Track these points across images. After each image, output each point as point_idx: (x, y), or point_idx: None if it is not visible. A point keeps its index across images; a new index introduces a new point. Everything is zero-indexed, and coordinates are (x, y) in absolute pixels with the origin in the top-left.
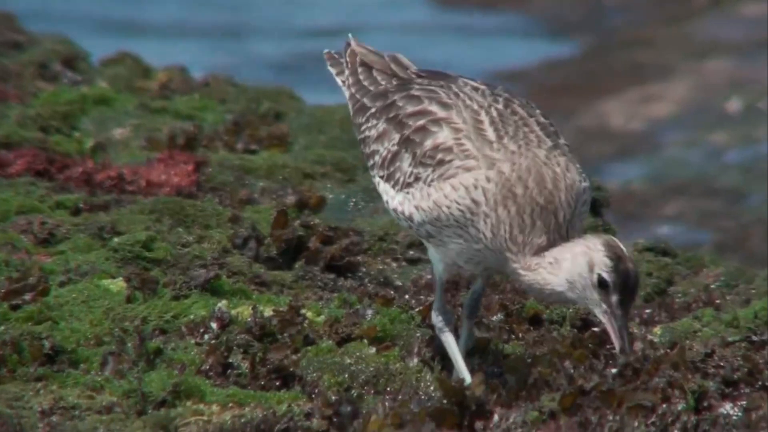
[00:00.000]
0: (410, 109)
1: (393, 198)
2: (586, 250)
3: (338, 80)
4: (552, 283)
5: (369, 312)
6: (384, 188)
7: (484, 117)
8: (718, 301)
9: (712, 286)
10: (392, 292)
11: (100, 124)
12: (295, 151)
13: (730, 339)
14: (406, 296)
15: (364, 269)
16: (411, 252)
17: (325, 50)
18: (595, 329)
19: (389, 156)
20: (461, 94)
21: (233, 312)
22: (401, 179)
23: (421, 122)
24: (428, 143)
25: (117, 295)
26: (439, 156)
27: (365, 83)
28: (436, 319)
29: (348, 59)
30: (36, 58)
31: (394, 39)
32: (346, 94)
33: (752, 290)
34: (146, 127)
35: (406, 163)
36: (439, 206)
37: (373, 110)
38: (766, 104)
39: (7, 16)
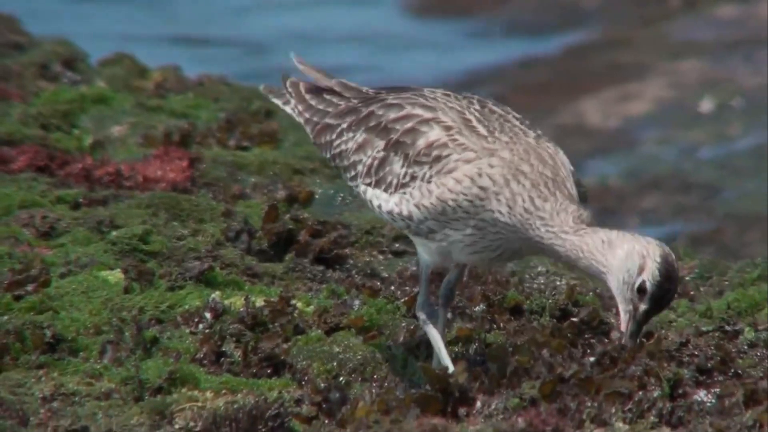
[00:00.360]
0: (393, 115)
1: (387, 201)
2: (644, 252)
3: (287, 109)
4: (596, 259)
5: (356, 302)
6: (373, 194)
7: (469, 115)
8: (692, 293)
9: (687, 278)
10: (378, 284)
11: (99, 122)
12: (285, 147)
13: (703, 329)
14: (392, 287)
15: (351, 261)
16: (396, 245)
17: (262, 86)
18: (574, 319)
19: (376, 162)
20: (439, 99)
21: (226, 302)
22: (394, 181)
23: (409, 125)
24: (421, 142)
25: (115, 286)
26: (435, 152)
27: (320, 107)
28: (420, 313)
29: (290, 90)
30: (37, 59)
31: (371, 45)
32: (300, 120)
33: (725, 282)
34: (143, 125)
35: (397, 165)
36: (443, 201)
37: (344, 125)
38: (738, 103)
39: (8, 19)
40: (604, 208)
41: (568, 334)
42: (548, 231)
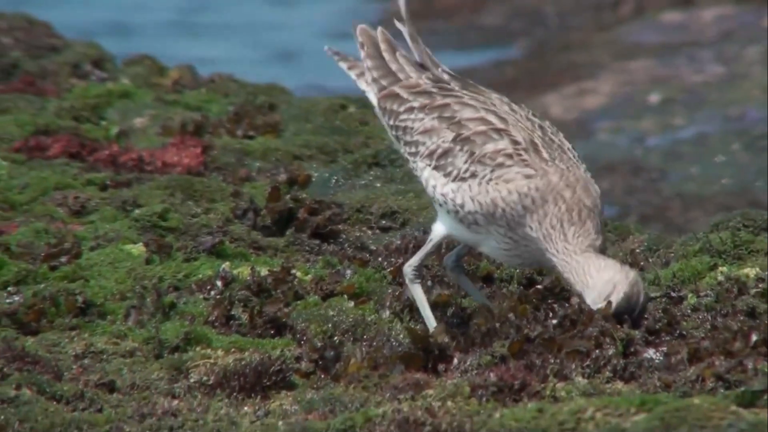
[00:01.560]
0: (468, 114)
1: (443, 185)
2: (617, 282)
3: (351, 74)
4: (584, 280)
5: (348, 272)
6: (431, 174)
7: (537, 139)
8: (642, 263)
9: (637, 251)
10: (367, 255)
11: (123, 114)
12: (286, 136)
13: (652, 295)
14: (379, 259)
15: (343, 236)
16: (383, 221)
17: (326, 47)
18: (538, 287)
19: (440, 150)
20: (511, 114)
21: (235, 272)
22: (455, 173)
23: (481, 128)
24: (489, 147)
25: (138, 258)
26: (500, 159)
27: (392, 67)
28: (410, 272)
29: (361, 40)
30: (70, 59)
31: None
32: (364, 80)
33: (671, 254)
34: (161, 117)
35: (460, 160)
36: (495, 204)
37: (416, 104)
38: (682, 97)
39: (45, 25)
40: None
41: (533, 300)
42: (565, 249)
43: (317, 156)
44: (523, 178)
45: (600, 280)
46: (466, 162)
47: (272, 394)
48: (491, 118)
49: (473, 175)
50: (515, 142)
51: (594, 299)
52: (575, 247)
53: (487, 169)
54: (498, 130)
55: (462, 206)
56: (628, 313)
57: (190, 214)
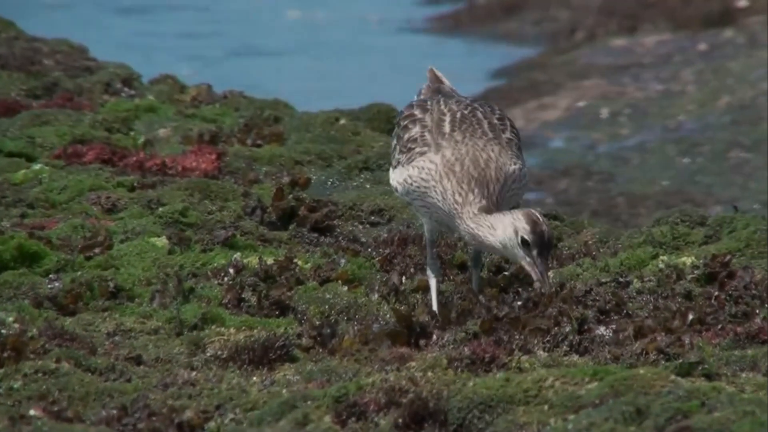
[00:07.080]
0: (405, 112)
1: (391, 177)
2: (512, 220)
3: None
4: (489, 241)
5: (342, 261)
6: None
7: (447, 119)
8: (594, 253)
9: (590, 242)
10: (359, 247)
11: (149, 126)
12: (288, 145)
13: (603, 280)
14: (369, 249)
15: (338, 230)
16: (372, 218)
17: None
18: (506, 273)
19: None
20: (442, 105)
21: (245, 261)
22: (393, 163)
23: (405, 122)
24: (405, 136)
25: (161, 249)
26: (410, 144)
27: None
28: (428, 271)
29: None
30: (102, 78)
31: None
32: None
33: (619, 245)
34: (182, 128)
35: (396, 151)
36: (407, 183)
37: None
38: (627, 111)
39: (81, 48)
40: (528, 190)
41: (501, 284)
42: (458, 220)
43: (315, 161)
44: (420, 156)
45: (499, 231)
46: (394, 150)
47: (277, 366)
48: (416, 111)
49: (398, 162)
50: (423, 126)
51: (509, 245)
52: (468, 214)
53: (404, 155)
54: (415, 120)
55: (396, 189)
56: (539, 227)
57: (206, 212)
